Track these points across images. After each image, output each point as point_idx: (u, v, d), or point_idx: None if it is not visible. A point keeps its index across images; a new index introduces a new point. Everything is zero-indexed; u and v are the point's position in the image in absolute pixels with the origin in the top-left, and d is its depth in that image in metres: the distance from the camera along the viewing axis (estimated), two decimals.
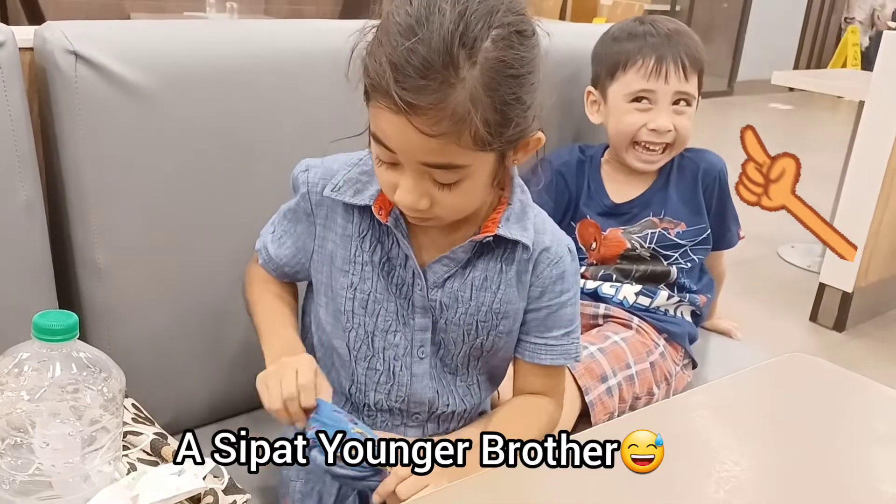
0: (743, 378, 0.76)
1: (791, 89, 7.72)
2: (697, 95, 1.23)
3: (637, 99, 1.21)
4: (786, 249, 3.30)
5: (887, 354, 2.51)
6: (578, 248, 1.27)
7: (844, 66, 6.66)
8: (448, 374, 0.91)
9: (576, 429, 0.99)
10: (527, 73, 0.74)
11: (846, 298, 2.59)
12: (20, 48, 0.90)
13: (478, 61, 0.71)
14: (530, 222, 0.87)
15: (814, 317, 2.68)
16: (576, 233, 1.27)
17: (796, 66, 7.79)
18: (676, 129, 1.21)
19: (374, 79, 0.72)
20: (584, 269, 1.26)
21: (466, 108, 0.70)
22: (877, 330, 2.65)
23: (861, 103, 2.59)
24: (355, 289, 0.86)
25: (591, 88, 1.28)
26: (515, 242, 0.86)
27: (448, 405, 0.91)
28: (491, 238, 0.85)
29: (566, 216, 1.27)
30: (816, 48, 7.81)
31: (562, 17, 5.30)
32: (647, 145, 1.22)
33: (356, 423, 0.78)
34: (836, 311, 2.62)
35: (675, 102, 1.21)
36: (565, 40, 1.37)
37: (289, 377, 0.78)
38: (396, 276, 0.87)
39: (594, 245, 1.26)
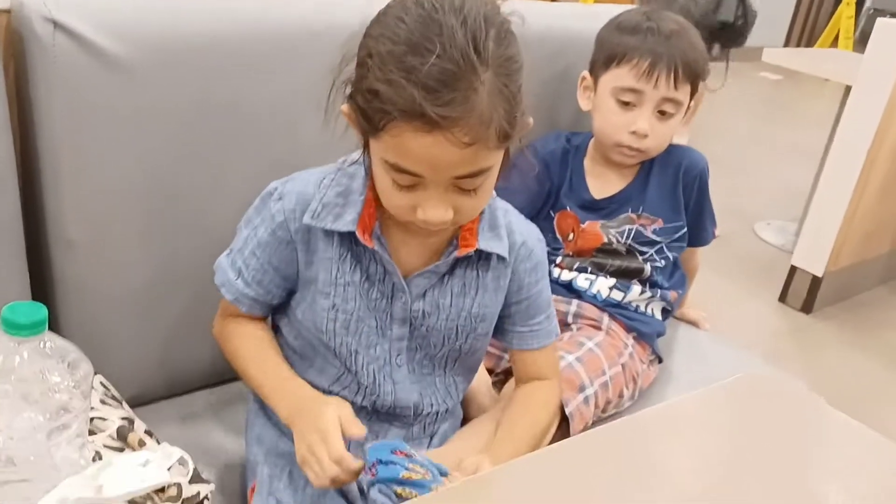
0: (700, 398, 0.78)
1: None
2: (688, 103, 1.22)
3: (623, 98, 1.20)
4: (762, 226, 3.33)
5: (851, 338, 2.57)
6: (555, 238, 1.27)
7: (836, 39, 6.62)
8: (426, 375, 0.94)
9: (555, 438, 1.03)
10: (522, 63, 0.77)
11: (816, 282, 2.64)
12: None
13: (489, 63, 0.72)
14: (502, 228, 0.90)
15: (783, 297, 2.73)
16: (554, 222, 1.28)
17: (789, 36, 7.74)
18: (654, 134, 1.20)
19: (401, 103, 0.71)
20: (559, 259, 1.27)
21: (490, 109, 0.73)
22: (843, 313, 2.70)
23: (848, 88, 2.59)
24: (337, 310, 0.87)
25: (585, 74, 1.27)
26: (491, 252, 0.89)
27: (432, 405, 0.94)
28: (472, 252, 0.87)
29: (546, 205, 1.27)
30: (811, 18, 7.75)
31: None
32: (626, 147, 1.21)
33: (409, 460, 0.78)
34: (804, 294, 2.67)
35: (660, 108, 1.19)
36: (561, 21, 1.36)
37: (321, 455, 0.78)
38: (375, 291, 0.88)
39: (571, 236, 1.27)
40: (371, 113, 0.74)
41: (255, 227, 0.88)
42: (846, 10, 6.71)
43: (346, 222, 0.84)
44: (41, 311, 0.65)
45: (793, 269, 2.69)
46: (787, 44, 7.75)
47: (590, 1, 3.20)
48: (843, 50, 5.70)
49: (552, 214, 1.28)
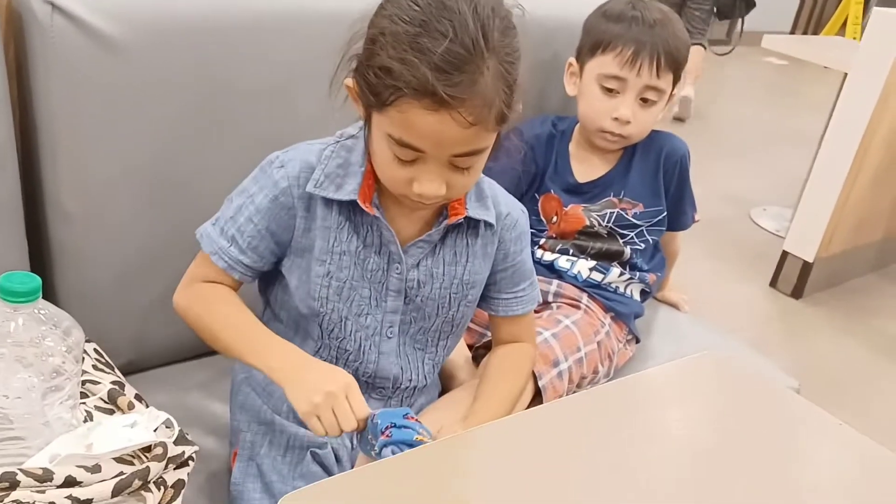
0: (655, 374, 0.83)
1: None
2: (671, 91, 1.25)
3: (607, 85, 1.23)
4: (758, 212, 3.36)
5: (839, 324, 2.61)
6: (539, 221, 1.31)
7: (845, 24, 6.59)
8: (417, 351, 0.98)
9: (528, 407, 1.08)
10: (521, 54, 0.82)
11: (806, 267, 2.67)
12: None
13: (494, 50, 0.77)
14: (489, 199, 0.95)
15: (773, 282, 2.76)
16: (539, 205, 1.31)
17: (797, 19, 7.70)
18: (636, 121, 1.23)
19: (413, 81, 0.75)
20: (542, 240, 1.31)
21: (493, 92, 0.78)
22: (832, 299, 2.74)
23: (845, 75, 2.60)
24: (331, 277, 0.90)
25: (572, 60, 1.30)
26: (479, 219, 0.94)
27: (411, 380, 0.98)
28: (462, 219, 0.92)
29: (531, 188, 1.31)
30: (819, 2, 7.70)
31: None
32: (608, 133, 1.25)
33: (419, 425, 0.82)
34: (794, 280, 2.70)
35: (643, 96, 1.23)
36: (550, 7, 1.38)
37: (343, 407, 0.80)
38: (371, 262, 0.92)
39: (555, 219, 1.31)
40: (381, 89, 0.78)
41: (252, 195, 0.90)
42: None
43: (348, 192, 0.88)
44: (35, 280, 0.69)
45: (784, 255, 2.73)
46: (794, 28, 7.71)
47: None
48: (851, 35, 5.68)
49: (537, 197, 1.31)
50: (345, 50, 0.83)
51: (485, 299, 1.02)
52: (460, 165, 0.82)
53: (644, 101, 1.23)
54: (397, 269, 0.92)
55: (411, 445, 0.80)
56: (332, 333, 0.94)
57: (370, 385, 0.97)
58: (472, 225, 0.95)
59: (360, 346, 0.94)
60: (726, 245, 3.03)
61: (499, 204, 0.97)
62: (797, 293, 2.71)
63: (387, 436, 0.81)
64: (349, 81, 0.84)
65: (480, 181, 0.96)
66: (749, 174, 3.86)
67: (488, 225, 0.95)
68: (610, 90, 1.23)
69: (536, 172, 1.31)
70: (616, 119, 1.23)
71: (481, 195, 0.95)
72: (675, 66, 1.23)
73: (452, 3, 0.76)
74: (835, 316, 2.65)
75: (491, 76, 0.77)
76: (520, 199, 1.28)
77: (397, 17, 0.77)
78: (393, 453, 0.80)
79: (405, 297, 0.94)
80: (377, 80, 0.78)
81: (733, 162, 3.99)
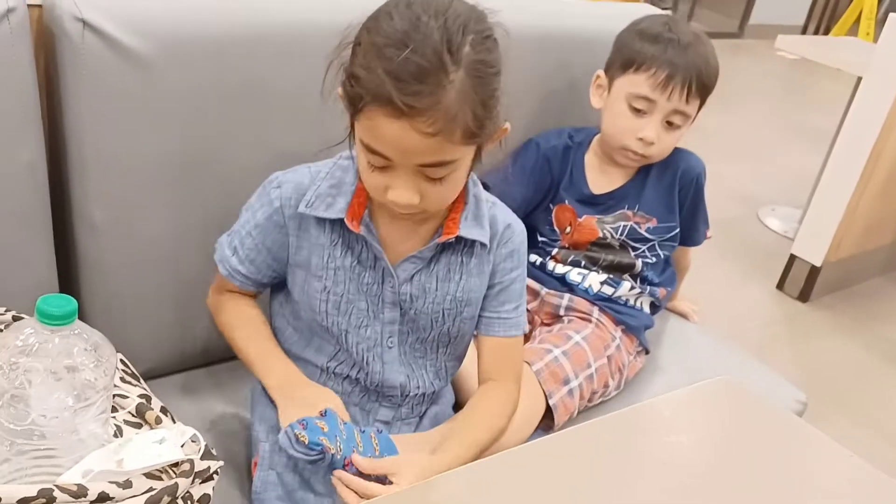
0: (663, 402, 0.84)
1: (803, 34, 7.63)
2: (694, 116, 1.26)
3: (636, 105, 1.23)
4: (766, 212, 3.37)
5: (844, 328, 2.62)
6: (553, 231, 1.33)
7: (858, 19, 6.54)
8: (419, 359, 1.00)
9: (539, 425, 1.11)
10: (499, 70, 0.83)
11: (814, 271, 2.68)
12: (29, 4, 0.93)
13: (462, 65, 0.78)
14: (485, 218, 0.96)
15: (780, 285, 2.78)
16: (553, 215, 1.33)
17: (811, 12, 7.65)
18: (659, 142, 1.24)
19: (373, 88, 0.77)
20: (555, 251, 1.33)
21: (457, 106, 0.78)
22: (839, 303, 2.75)
23: (860, 80, 2.60)
24: (328, 292, 0.94)
25: (600, 72, 1.30)
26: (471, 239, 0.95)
27: (419, 387, 1.00)
28: (453, 238, 0.94)
29: (546, 199, 1.33)
30: None
31: None
32: (631, 151, 1.26)
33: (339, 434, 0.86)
34: (802, 283, 2.72)
35: (669, 119, 1.24)
36: (575, 21, 1.39)
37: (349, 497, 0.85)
38: (367, 276, 0.94)
39: (568, 229, 1.32)
40: (353, 96, 0.81)
41: (255, 211, 0.96)
42: None
43: (337, 210, 0.92)
44: (72, 304, 0.71)
45: (792, 258, 2.74)
46: (808, 21, 7.67)
47: None
48: (864, 30, 5.65)
49: (551, 207, 1.33)
50: (332, 58, 0.85)
51: None
52: (431, 175, 0.84)
53: (669, 123, 1.24)
54: (390, 282, 0.95)
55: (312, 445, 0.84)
56: (334, 346, 0.97)
57: (380, 394, 1.00)
58: (468, 244, 0.96)
59: (364, 356, 0.97)
60: (733, 246, 3.05)
61: (496, 222, 0.98)
62: (804, 297, 2.72)
63: (302, 426, 0.85)
64: (339, 90, 0.86)
65: (480, 199, 0.97)
66: (758, 172, 3.86)
67: (482, 245, 0.96)
68: (638, 110, 1.24)
69: (552, 183, 1.33)
70: (640, 139, 1.24)
71: (479, 214, 0.96)
72: (704, 93, 1.24)
73: (423, 17, 0.78)
74: (841, 321, 2.66)
75: (456, 90, 0.78)
76: (535, 210, 1.31)
77: (374, 29, 0.80)
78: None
79: (400, 310, 0.96)
80: (350, 87, 0.81)
81: (743, 161, 3.99)
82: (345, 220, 0.91)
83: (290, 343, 1.01)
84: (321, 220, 0.93)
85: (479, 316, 1.01)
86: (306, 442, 0.85)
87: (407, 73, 0.76)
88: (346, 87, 0.82)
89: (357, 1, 1.20)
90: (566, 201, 1.32)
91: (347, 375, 0.99)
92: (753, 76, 6.25)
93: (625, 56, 1.25)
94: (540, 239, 1.35)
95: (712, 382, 0.87)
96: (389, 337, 0.97)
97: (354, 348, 0.97)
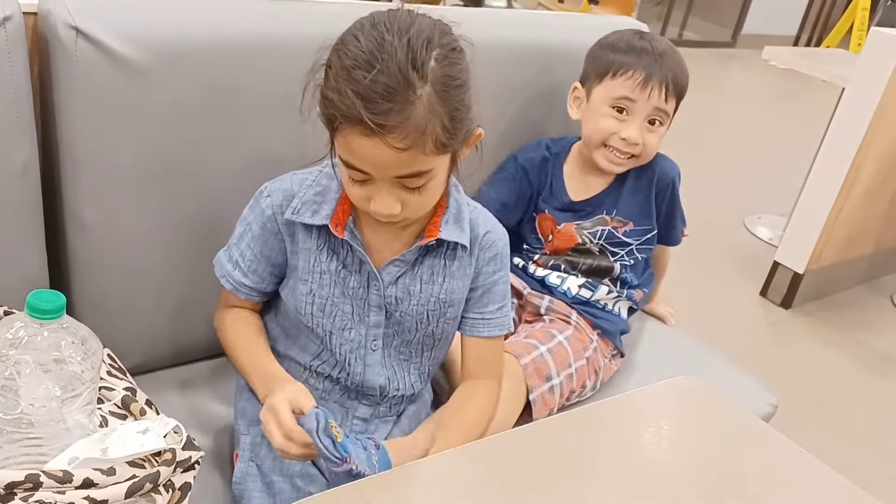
0: (625, 400, 0.88)
1: (795, 45, 7.69)
2: (671, 116, 1.30)
3: (617, 106, 1.28)
4: (752, 220, 3.42)
5: (825, 335, 2.67)
6: (537, 239, 1.37)
7: (850, 30, 6.61)
8: (403, 361, 1.04)
9: (519, 420, 1.15)
10: (465, 81, 0.86)
11: (796, 278, 2.73)
12: (24, 13, 0.96)
13: (428, 79, 0.82)
14: (466, 221, 1.00)
15: (764, 292, 2.82)
16: (536, 223, 1.37)
17: (804, 23, 7.72)
18: (644, 143, 1.29)
19: (345, 110, 0.81)
20: (537, 256, 1.37)
21: (426, 119, 0.82)
22: (820, 310, 2.80)
23: (843, 89, 2.65)
24: (314, 295, 0.98)
25: (577, 85, 1.34)
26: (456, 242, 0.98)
27: (398, 389, 1.04)
28: (434, 241, 0.97)
29: (528, 209, 1.37)
30: (826, 6, 7.72)
31: None
32: (614, 151, 1.30)
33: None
34: (785, 290, 2.76)
35: (650, 119, 1.28)
36: (552, 33, 1.44)
37: (272, 430, 0.87)
38: (352, 280, 0.98)
39: (550, 237, 1.37)
40: (327, 116, 0.85)
41: (249, 223, 1.00)
42: (862, 0, 6.68)
43: (321, 217, 0.96)
44: (61, 299, 0.75)
45: (775, 265, 2.78)
46: (800, 32, 7.74)
47: (586, 10, 3.21)
48: (856, 41, 5.70)
49: (535, 216, 1.37)
50: (307, 80, 0.88)
51: None
52: (409, 185, 0.87)
53: (651, 122, 1.29)
54: (376, 286, 0.98)
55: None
56: (318, 346, 1.01)
57: (360, 393, 1.04)
58: (450, 247, 1.00)
59: (346, 358, 1.01)
60: (719, 252, 3.09)
61: (477, 226, 1.01)
62: (787, 303, 2.77)
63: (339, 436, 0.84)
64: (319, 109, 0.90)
65: (461, 203, 1.01)
66: (745, 181, 3.91)
67: (463, 247, 1.00)
68: (620, 110, 1.28)
69: (532, 193, 1.37)
70: (624, 139, 1.28)
71: (459, 217, 1.00)
72: (679, 94, 1.29)
73: (387, 37, 0.81)
74: (823, 328, 2.71)
75: (424, 104, 0.81)
76: (521, 220, 1.35)
77: (342, 51, 0.83)
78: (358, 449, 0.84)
79: (386, 313, 1.00)
80: (324, 108, 0.84)
81: (730, 169, 4.04)
82: (329, 225, 0.95)
83: (276, 341, 1.05)
84: (308, 226, 0.97)
85: (464, 317, 1.05)
86: (339, 439, 0.84)
87: (375, 93, 0.80)
88: (321, 107, 0.86)
89: (343, 10, 1.25)
90: (546, 210, 1.36)
91: (329, 375, 1.03)
92: (745, 85, 6.31)
93: (600, 66, 1.29)
94: (525, 246, 1.39)
95: (676, 380, 0.91)
96: (374, 340, 1.01)
97: (338, 349, 1.00)
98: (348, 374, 1.02)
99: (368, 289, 0.99)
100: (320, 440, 0.83)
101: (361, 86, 0.80)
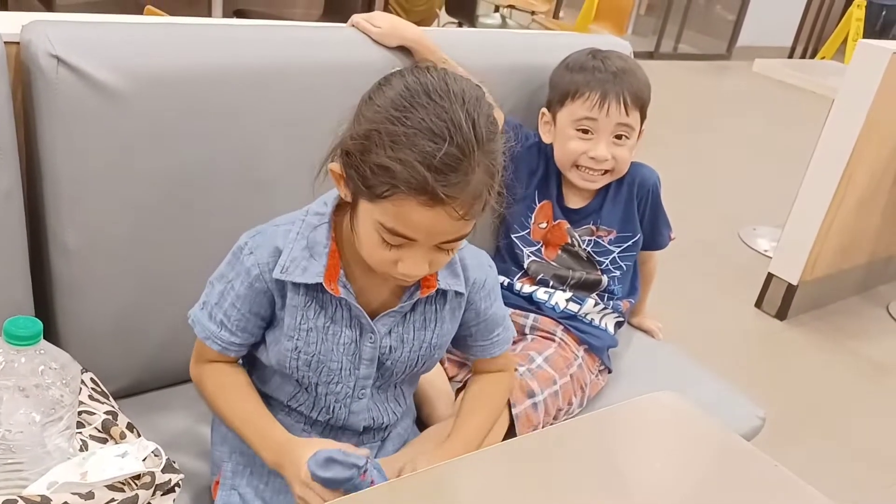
0: (604, 416, 0.89)
1: (790, 57, 7.72)
2: (639, 127, 1.33)
3: (581, 128, 1.31)
4: (747, 232, 3.42)
5: (820, 346, 2.67)
6: (525, 223, 1.40)
7: (845, 41, 6.64)
8: (387, 397, 1.03)
9: (505, 437, 1.15)
10: (500, 140, 0.86)
11: (790, 290, 2.73)
12: (6, 42, 0.98)
13: (482, 147, 0.82)
14: (457, 264, 0.99)
15: (759, 303, 2.83)
16: (534, 213, 1.40)
17: (798, 35, 7.77)
18: (615, 157, 1.31)
19: (408, 179, 0.79)
20: (527, 263, 1.39)
21: (481, 185, 0.83)
22: (814, 321, 2.80)
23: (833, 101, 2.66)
24: (299, 351, 0.95)
25: (545, 110, 1.38)
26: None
27: (382, 423, 1.04)
28: (433, 293, 0.96)
29: (534, 176, 1.39)
30: (821, 18, 7.77)
31: None
32: (587, 169, 1.32)
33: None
34: (779, 302, 2.76)
35: (616, 134, 1.31)
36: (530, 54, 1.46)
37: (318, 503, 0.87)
38: (343, 336, 0.95)
39: (545, 224, 1.39)
40: (375, 183, 0.81)
41: (230, 281, 0.94)
42: (856, 11, 6.71)
43: (314, 275, 0.91)
44: (37, 325, 0.76)
45: (770, 277, 2.79)
46: (794, 45, 7.78)
47: (586, 30, 3.24)
48: (851, 51, 5.72)
49: (535, 205, 1.40)
50: (336, 142, 0.86)
51: (463, 346, 1.07)
52: (447, 248, 0.87)
53: (618, 137, 1.31)
54: (371, 338, 0.96)
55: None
56: (302, 395, 0.99)
57: (343, 429, 1.02)
58: (441, 293, 0.98)
59: (331, 407, 0.99)
60: (714, 264, 3.10)
61: (467, 269, 1.00)
62: (781, 315, 2.77)
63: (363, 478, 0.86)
64: (335, 167, 0.87)
65: None
66: (742, 192, 3.92)
67: (458, 293, 0.99)
68: (585, 131, 1.31)
69: (547, 170, 1.39)
70: (593, 158, 1.30)
71: (452, 261, 0.98)
72: (641, 105, 1.31)
73: (447, 104, 0.80)
74: (817, 339, 2.71)
75: (480, 171, 0.82)
76: (519, 201, 1.37)
77: (393, 117, 0.80)
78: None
79: (378, 362, 0.98)
80: (373, 175, 0.81)
81: (725, 180, 4.06)
82: (323, 285, 0.92)
83: (252, 377, 1.02)
84: (297, 284, 0.92)
85: (473, 346, 1.06)
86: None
87: (446, 165, 0.79)
88: (360, 172, 0.82)
89: (326, 35, 1.27)
90: (547, 199, 1.39)
91: (309, 416, 1.01)
92: (738, 95, 6.34)
93: (560, 90, 1.33)
94: (502, 265, 1.40)
95: (653, 395, 0.91)
96: (362, 390, 0.99)
97: (323, 398, 0.99)
98: (331, 416, 1.00)
99: (361, 341, 0.96)
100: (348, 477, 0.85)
101: (430, 156, 0.78)
